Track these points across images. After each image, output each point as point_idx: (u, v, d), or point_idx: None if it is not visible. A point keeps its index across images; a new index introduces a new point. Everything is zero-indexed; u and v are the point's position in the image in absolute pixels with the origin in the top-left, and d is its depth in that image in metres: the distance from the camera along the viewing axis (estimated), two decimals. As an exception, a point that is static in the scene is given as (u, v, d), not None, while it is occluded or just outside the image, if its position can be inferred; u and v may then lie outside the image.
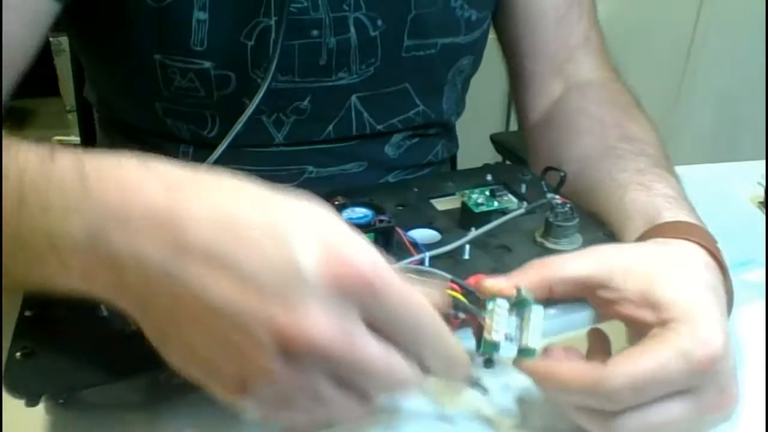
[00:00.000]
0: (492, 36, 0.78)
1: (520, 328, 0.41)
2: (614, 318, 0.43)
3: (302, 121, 0.69)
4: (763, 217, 0.72)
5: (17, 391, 0.39)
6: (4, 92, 0.56)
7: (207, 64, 0.63)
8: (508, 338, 0.41)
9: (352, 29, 0.65)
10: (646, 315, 0.42)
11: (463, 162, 0.91)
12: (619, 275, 0.43)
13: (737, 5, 1.99)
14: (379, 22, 0.66)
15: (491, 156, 1.40)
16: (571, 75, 0.72)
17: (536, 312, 0.41)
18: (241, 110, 0.60)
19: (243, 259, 0.34)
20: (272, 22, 0.62)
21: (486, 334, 0.40)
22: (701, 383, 0.40)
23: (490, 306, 0.41)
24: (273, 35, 0.59)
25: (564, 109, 0.68)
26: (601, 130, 0.63)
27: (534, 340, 0.41)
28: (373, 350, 0.36)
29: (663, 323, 0.41)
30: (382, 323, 0.36)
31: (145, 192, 0.36)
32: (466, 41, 0.71)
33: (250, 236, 0.35)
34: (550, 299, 0.43)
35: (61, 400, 0.42)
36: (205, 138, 0.68)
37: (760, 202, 0.75)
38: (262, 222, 0.35)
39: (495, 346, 0.40)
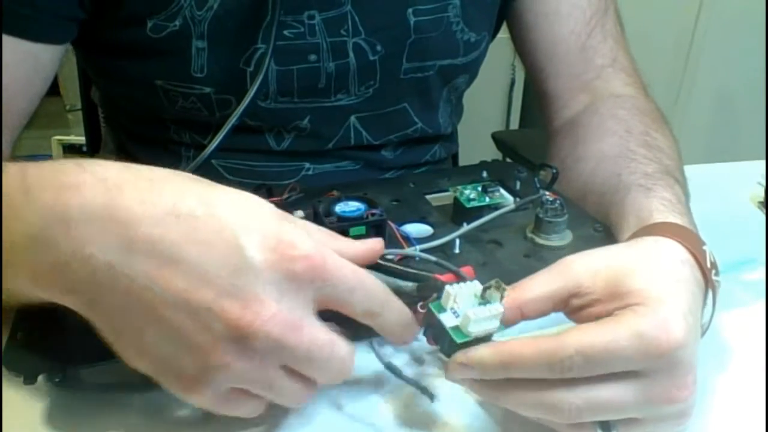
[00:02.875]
0: (501, 36, 0.78)
1: (474, 309, 0.40)
2: (588, 322, 0.42)
3: (302, 137, 0.70)
4: (763, 217, 0.72)
5: (15, 369, 0.41)
6: (12, 136, 0.60)
7: (207, 90, 0.64)
8: (453, 311, 0.40)
9: (351, 54, 0.65)
10: (614, 305, 0.41)
11: (465, 160, 0.91)
12: (587, 279, 0.42)
13: (737, 5, 2.00)
14: (379, 47, 0.66)
15: (493, 154, 1.40)
16: (599, 89, 0.72)
17: (497, 315, 0.40)
18: (242, 126, 0.62)
19: (192, 254, 0.36)
20: (269, 48, 0.62)
21: (448, 289, 0.40)
22: (654, 368, 0.39)
23: (465, 284, 0.41)
24: (272, 61, 0.60)
25: (595, 112, 0.68)
26: (626, 133, 0.63)
27: (475, 328, 0.40)
28: (321, 339, 0.38)
29: (626, 307, 0.40)
30: (336, 300, 0.38)
31: (83, 193, 0.37)
32: (463, 62, 0.72)
33: (196, 232, 0.36)
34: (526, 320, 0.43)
35: (57, 379, 0.43)
36: (205, 145, 0.69)
37: (760, 202, 0.75)
38: (207, 218, 0.36)
39: (441, 307, 0.41)
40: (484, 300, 0.41)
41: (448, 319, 0.40)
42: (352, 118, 0.70)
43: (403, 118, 0.73)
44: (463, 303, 0.40)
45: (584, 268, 0.43)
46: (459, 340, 0.40)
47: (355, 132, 0.71)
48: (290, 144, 0.70)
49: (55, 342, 0.42)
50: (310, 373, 0.39)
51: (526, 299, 0.42)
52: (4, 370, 0.41)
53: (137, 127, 0.74)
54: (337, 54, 0.65)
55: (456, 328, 0.40)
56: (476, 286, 0.41)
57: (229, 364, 0.36)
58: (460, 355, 0.40)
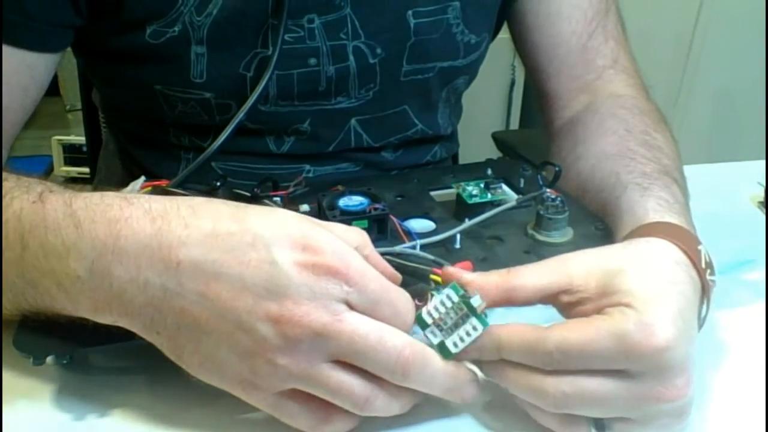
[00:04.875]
0: (501, 36, 0.78)
1: (453, 328, 0.41)
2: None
3: (302, 140, 0.70)
4: (763, 217, 0.72)
5: (25, 350, 0.42)
6: (7, 144, 0.60)
7: (207, 95, 0.64)
8: (437, 326, 0.41)
9: (351, 57, 0.65)
10: (603, 303, 0.42)
11: (465, 161, 0.91)
12: (579, 278, 0.43)
13: (737, 5, 2.00)
14: (379, 50, 0.66)
15: (493, 154, 1.40)
16: (599, 89, 0.71)
17: (475, 327, 0.41)
18: (243, 129, 0.63)
19: (232, 268, 0.39)
20: (270, 53, 0.62)
21: (423, 309, 0.41)
22: (639, 368, 0.39)
23: (443, 291, 0.42)
24: (273, 66, 0.61)
25: (596, 111, 0.68)
26: (626, 132, 0.63)
27: (456, 347, 0.41)
28: (364, 327, 0.39)
29: (614, 305, 0.41)
30: (361, 309, 0.40)
31: (131, 225, 0.40)
32: (464, 63, 0.72)
33: (234, 248, 0.39)
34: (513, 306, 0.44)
35: (65, 361, 0.44)
36: (205, 148, 0.69)
37: (760, 202, 0.75)
38: (242, 234, 0.40)
39: (423, 323, 0.41)
40: (459, 306, 0.41)
41: (432, 336, 0.41)
42: (353, 121, 0.70)
43: (403, 120, 0.73)
44: (442, 313, 0.41)
45: (578, 267, 0.43)
46: (447, 359, 0.41)
47: (355, 135, 0.71)
48: (290, 147, 0.70)
49: (63, 325, 0.43)
50: (363, 364, 0.39)
51: (515, 285, 0.43)
52: (15, 352, 0.42)
53: (137, 129, 0.74)
54: (337, 57, 0.65)
55: (441, 346, 0.41)
56: (453, 297, 0.41)
57: (275, 361, 0.39)
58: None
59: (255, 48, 0.63)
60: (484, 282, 0.43)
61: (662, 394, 0.40)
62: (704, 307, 0.46)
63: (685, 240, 0.46)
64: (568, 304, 0.43)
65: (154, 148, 0.72)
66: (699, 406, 0.42)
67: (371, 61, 0.66)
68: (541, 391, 0.41)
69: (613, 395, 0.40)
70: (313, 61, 0.64)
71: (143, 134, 0.73)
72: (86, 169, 2.47)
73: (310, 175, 0.72)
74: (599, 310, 0.42)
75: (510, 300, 0.43)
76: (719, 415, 0.46)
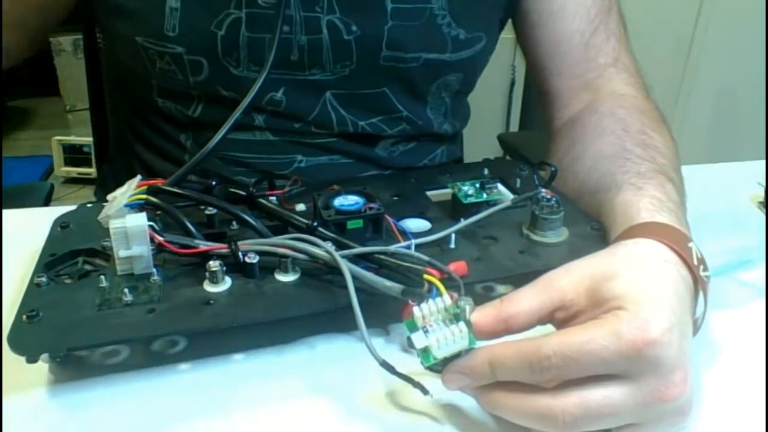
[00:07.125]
0: (501, 36, 0.78)
1: (440, 332, 0.40)
2: None
3: (279, 112, 0.71)
4: (763, 217, 0.72)
5: (19, 349, 0.43)
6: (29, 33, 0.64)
7: (179, 49, 0.66)
8: (424, 329, 0.41)
9: (325, 30, 0.66)
10: (597, 312, 0.41)
11: (466, 160, 0.92)
12: (570, 292, 0.43)
13: (737, 5, 2.00)
14: (354, 28, 0.67)
15: (494, 155, 1.40)
16: (600, 88, 0.72)
17: (462, 330, 0.40)
18: (216, 96, 0.68)
19: None
20: (242, 14, 0.64)
21: (416, 310, 0.41)
22: (638, 368, 0.39)
23: (437, 297, 0.42)
24: (244, 28, 0.64)
25: (595, 111, 0.68)
26: (624, 133, 0.63)
27: (440, 352, 0.40)
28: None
29: (609, 311, 0.41)
30: None
31: None
32: (453, 59, 0.71)
33: None
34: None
35: (58, 359, 0.44)
36: (192, 118, 0.71)
37: (760, 202, 0.74)
38: None
39: (413, 325, 0.41)
40: (452, 314, 0.41)
41: (418, 340, 0.41)
42: (328, 94, 0.70)
43: (383, 103, 0.73)
44: (433, 319, 0.41)
45: (567, 281, 0.43)
46: (426, 364, 0.41)
47: (333, 109, 0.71)
48: (267, 118, 0.71)
49: (57, 324, 0.43)
50: None
51: (511, 313, 0.42)
52: (8, 350, 0.43)
53: (134, 102, 0.75)
54: (309, 28, 0.66)
55: (424, 350, 0.41)
56: (446, 300, 0.41)
57: None
58: (452, 366, 0.41)
59: (227, 8, 0.65)
60: (479, 317, 0.42)
61: (663, 393, 0.40)
62: (700, 303, 0.46)
63: (674, 238, 0.46)
64: (564, 319, 0.43)
65: (158, 149, 0.73)
66: (699, 406, 0.42)
67: (346, 37, 0.67)
68: (548, 414, 0.40)
69: (619, 404, 0.40)
70: (286, 28, 0.66)
71: (146, 133, 0.74)
72: (86, 169, 2.47)
73: (302, 165, 0.72)
74: (594, 319, 0.41)
75: (509, 329, 0.43)
76: (719, 415, 0.46)
